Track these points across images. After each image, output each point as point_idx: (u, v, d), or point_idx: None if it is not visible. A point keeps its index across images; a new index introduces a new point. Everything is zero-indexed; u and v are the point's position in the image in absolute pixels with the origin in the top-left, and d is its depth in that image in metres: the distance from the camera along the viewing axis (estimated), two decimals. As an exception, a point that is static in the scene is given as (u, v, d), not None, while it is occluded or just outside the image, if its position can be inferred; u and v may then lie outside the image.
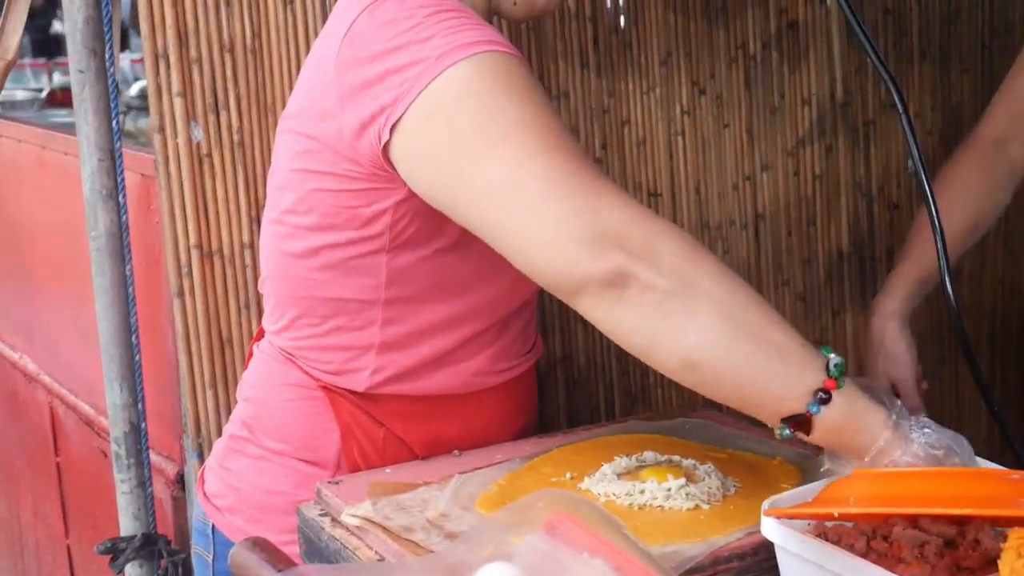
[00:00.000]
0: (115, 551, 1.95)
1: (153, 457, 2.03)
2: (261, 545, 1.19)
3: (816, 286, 2.40)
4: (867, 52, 1.53)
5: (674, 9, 2.16)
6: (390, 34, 1.29)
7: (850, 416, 1.20)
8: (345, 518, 1.32)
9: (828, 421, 1.19)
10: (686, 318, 1.17)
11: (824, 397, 1.18)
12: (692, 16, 2.18)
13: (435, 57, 1.25)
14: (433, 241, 1.39)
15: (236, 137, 1.82)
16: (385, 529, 1.28)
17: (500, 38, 1.31)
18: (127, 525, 1.99)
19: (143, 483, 1.97)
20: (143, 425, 1.97)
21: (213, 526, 1.55)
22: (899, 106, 1.53)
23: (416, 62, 1.26)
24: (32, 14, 2.04)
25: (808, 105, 2.33)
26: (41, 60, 5.36)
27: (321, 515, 1.37)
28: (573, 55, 2.07)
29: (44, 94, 3.76)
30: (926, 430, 1.20)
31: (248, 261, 1.83)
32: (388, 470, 1.45)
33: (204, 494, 1.58)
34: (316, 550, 1.36)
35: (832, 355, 1.21)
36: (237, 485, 1.54)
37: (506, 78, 1.26)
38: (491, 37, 1.29)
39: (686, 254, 1.19)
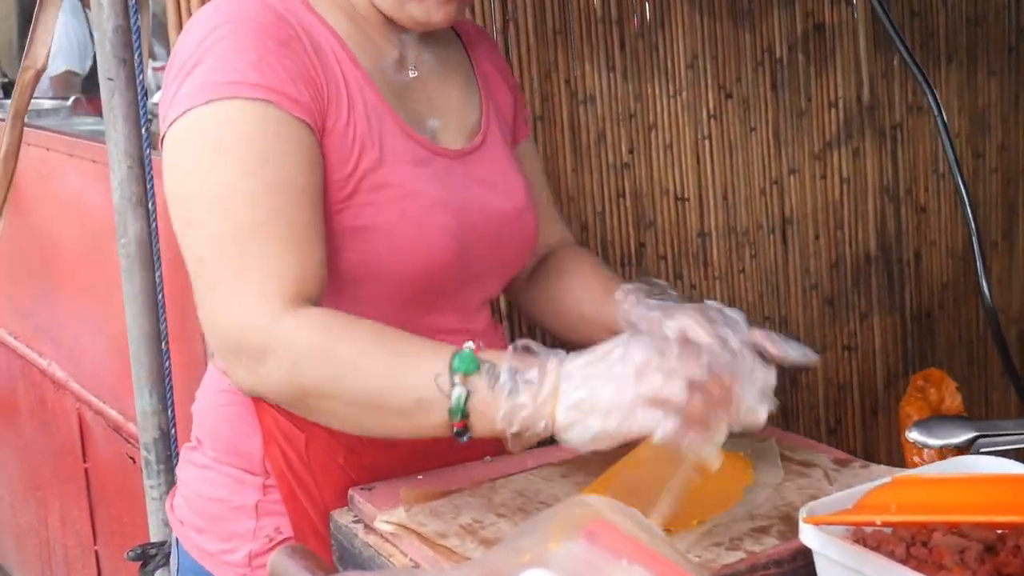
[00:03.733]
0: (145, 557, 1.95)
1: (182, 463, 2.04)
2: (300, 552, 1.19)
3: (843, 289, 2.39)
4: (900, 51, 1.52)
5: (700, 12, 2.15)
6: (178, 50, 1.35)
7: (496, 428, 1.19)
8: (379, 524, 1.32)
9: (482, 432, 1.20)
10: (312, 400, 1.25)
11: (461, 431, 1.20)
12: (718, 19, 2.18)
13: (190, 93, 1.29)
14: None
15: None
16: (419, 535, 1.28)
17: (261, 73, 1.28)
18: (156, 531, 1.99)
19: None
20: (173, 431, 1.98)
21: (176, 539, 1.56)
22: (933, 105, 1.52)
23: (176, 88, 1.31)
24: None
25: (835, 108, 2.33)
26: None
27: (354, 522, 1.37)
28: (600, 59, 2.07)
29: (71, 102, 3.77)
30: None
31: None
32: (421, 476, 1.44)
33: (171, 506, 1.58)
34: (350, 557, 1.36)
35: (455, 387, 1.19)
36: (187, 495, 1.54)
37: (218, 139, 1.28)
38: (241, 78, 1.28)
39: (294, 346, 1.23)
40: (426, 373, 1.20)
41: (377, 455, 1.43)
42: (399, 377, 1.22)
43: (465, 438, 1.21)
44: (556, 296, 1.61)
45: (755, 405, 1.21)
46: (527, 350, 1.21)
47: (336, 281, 1.38)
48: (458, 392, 1.18)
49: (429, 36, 1.48)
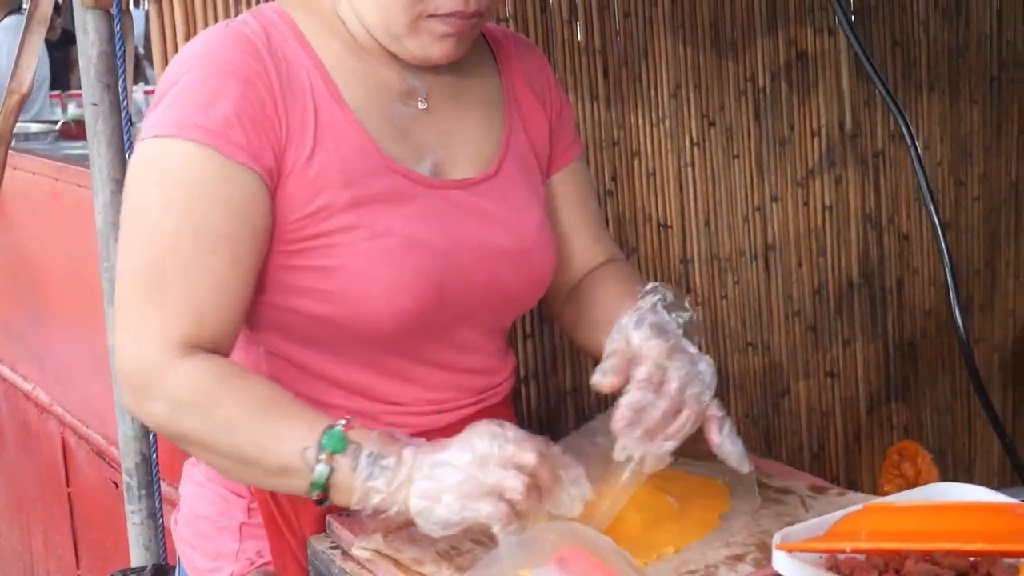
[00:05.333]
0: (126, 583, 1.95)
1: (164, 488, 2.04)
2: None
3: (826, 316, 2.40)
4: (876, 84, 1.54)
5: (683, 41, 2.17)
6: (160, 80, 1.39)
7: (353, 503, 1.24)
8: (356, 551, 1.32)
9: (341, 503, 1.25)
10: (189, 446, 1.32)
11: (321, 500, 1.25)
12: (701, 48, 2.19)
13: (151, 124, 1.33)
14: None
15: (248, 170, 1.83)
16: (396, 562, 1.28)
17: (209, 116, 1.30)
18: (138, 556, 1.99)
19: (154, 514, 1.98)
20: (154, 456, 1.97)
21: (179, 556, 1.56)
22: (907, 138, 1.53)
23: (148, 115, 1.35)
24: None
25: (817, 136, 2.34)
26: (56, 92, 5.40)
27: (332, 548, 1.37)
28: (583, 87, 2.08)
29: (58, 126, 3.78)
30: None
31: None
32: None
33: (174, 521, 1.59)
34: (327, 583, 1.36)
35: (319, 464, 1.23)
36: (185, 512, 1.56)
37: (155, 175, 1.31)
38: (189, 119, 1.30)
39: (179, 386, 1.27)
40: (295, 443, 1.25)
41: None
42: (270, 441, 1.26)
43: (325, 504, 1.26)
44: (582, 308, 1.57)
45: (574, 494, 1.23)
46: (391, 436, 1.25)
47: (306, 318, 1.39)
48: (320, 469, 1.23)
49: (452, 62, 1.43)
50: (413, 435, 1.30)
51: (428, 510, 1.20)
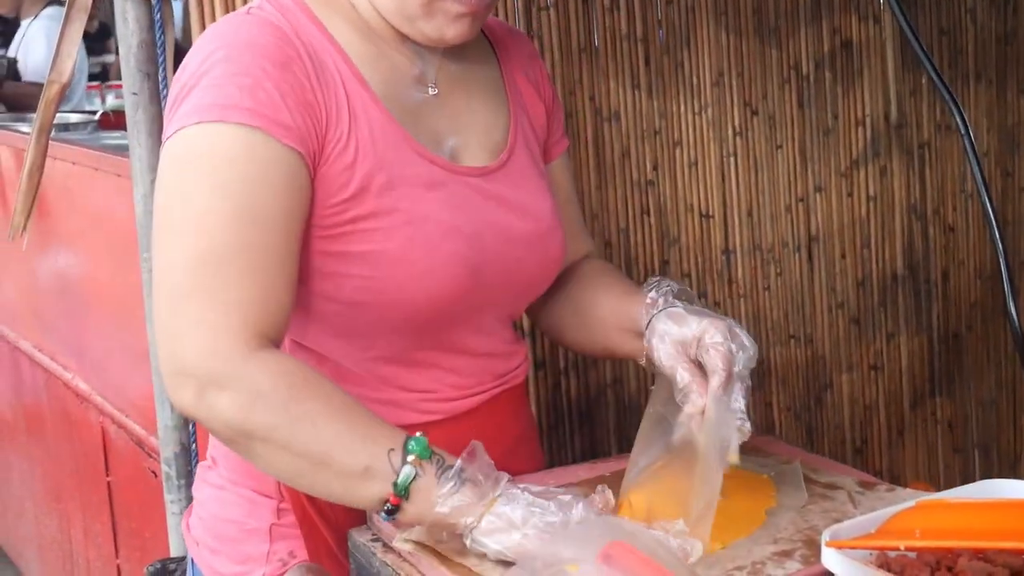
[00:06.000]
0: (165, 572, 1.95)
1: (203, 478, 2.03)
2: (317, 572, 1.19)
3: (870, 309, 2.37)
4: (926, 68, 1.51)
5: (726, 29, 2.14)
6: (181, 71, 1.35)
7: (428, 512, 1.24)
8: (397, 543, 1.31)
9: (410, 516, 1.25)
10: (256, 443, 1.25)
11: (391, 509, 1.23)
12: (744, 36, 2.16)
13: (186, 112, 1.29)
14: None
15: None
16: (437, 554, 1.27)
17: (254, 98, 1.28)
18: (177, 545, 1.99)
19: (193, 504, 1.97)
20: (194, 446, 1.97)
21: (191, 559, 1.55)
22: (960, 125, 1.49)
23: (175, 109, 1.32)
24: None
25: (862, 126, 2.31)
26: (95, 83, 5.42)
27: (372, 540, 1.36)
28: (625, 76, 2.06)
29: (97, 116, 3.79)
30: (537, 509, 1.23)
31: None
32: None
33: (187, 525, 1.57)
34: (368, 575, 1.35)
35: (406, 465, 1.23)
36: (203, 515, 1.53)
37: (203, 160, 1.28)
38: (233, 102, 1.27)
39: (252, 390, 1.23)
40: (381, 444, 1.24)
41: None
42: (355, 441, 1.24)
43: (389, 518, 1.25)
44: (578, 305, 1.59)
45: None
46: (470, 456, 1.25)
47: (342, 306, 1.38)
48: (407, 471, 1.22)
49: (455, 49, 1.45)
50: (442, 420, 1.35)
51: (501, 532, 1.22)
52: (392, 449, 1.23)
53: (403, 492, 1.22)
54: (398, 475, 1.22)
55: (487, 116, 1.50)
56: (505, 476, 1.26)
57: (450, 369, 1.46)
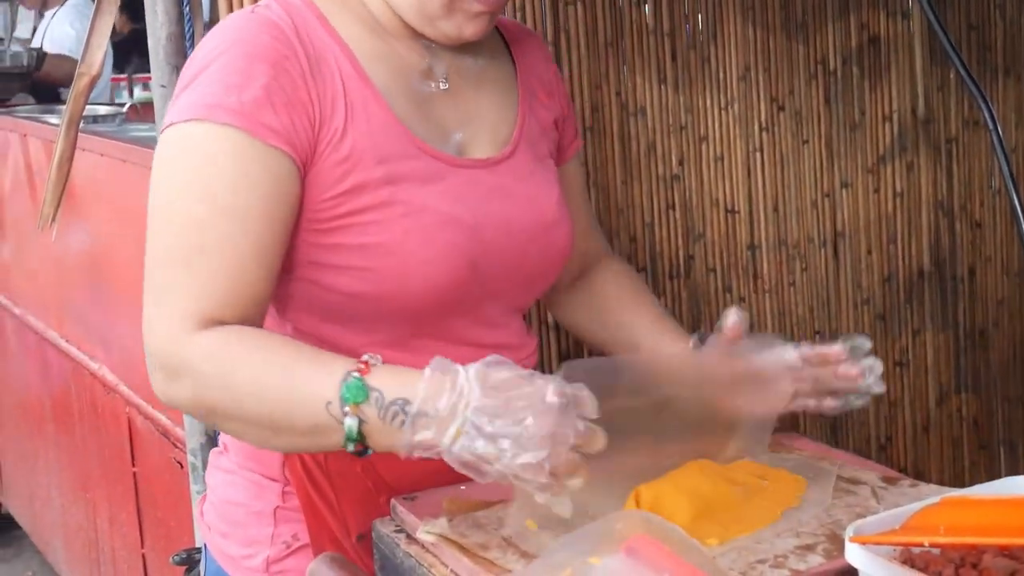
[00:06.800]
0: (190, 562, 1.96)
1: (228, 469, 2.04)
2: (340, 563, 1.19)
3: (896, 305, 2.36)
4: (954, 63, 1.50)
5: (753, 24, 2.14)
6: (184, 68, 1.39)
7: (397, 446, 1.21)
8: (421, 535, 1.32)
9: (384, 449, 1.22)
10: (219, 420, 1.29)
11: (362, 451, 1.22)
12: (771, 31, 2.16)
13: (180, 108, 1.32)
14: None
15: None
16: (460, 547, 1.28)
17: (241, 99, 1.30)
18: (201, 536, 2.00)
19: (218, 495, 1.98)
20: (219, 437, 1.98)
21: (205, 544, 1.56)
22: (988, 121, 1.49)
23: (174, 102, 1.35)
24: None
25: (889, 122, 2.30)
26: (121, 76, 5.45)
27: (396, 531, 1.37)
28: (651, 70, 2.06)
29: (125, 109, 3.81)
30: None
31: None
32: (463, 486, 1.44)
33: (200, 512, 1.59)
34: (391, 566, 1.35)
35: (346, 417, 1.20)
36: (214, 500, 1.55)
37: (186, 158, 1.31)
38: (220, 101, 1.29)
39: (209, 362, 1.26)
40: (319, 398, 1.22)
41: (391, 466, 1.40)
42: (296, 403, 1.23)
43: (368, 454, 1.23)
44: (600, 307, 1.62)
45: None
46: (408, 371, 1.22)
47: (342, 296, 1.39)
48: (349, 423, 1.20)
49: (468, 45, 1.46)
50: None
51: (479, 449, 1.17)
52: (329, 402, 1.21)
53: (357, 439, 1.21)
54: (343, 427, 1.21)
55: (496, 111, 1.52)
56: (462, 404, 1.18)
57: (453, 359, 1.46)
